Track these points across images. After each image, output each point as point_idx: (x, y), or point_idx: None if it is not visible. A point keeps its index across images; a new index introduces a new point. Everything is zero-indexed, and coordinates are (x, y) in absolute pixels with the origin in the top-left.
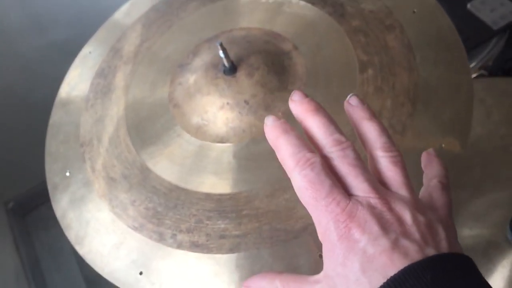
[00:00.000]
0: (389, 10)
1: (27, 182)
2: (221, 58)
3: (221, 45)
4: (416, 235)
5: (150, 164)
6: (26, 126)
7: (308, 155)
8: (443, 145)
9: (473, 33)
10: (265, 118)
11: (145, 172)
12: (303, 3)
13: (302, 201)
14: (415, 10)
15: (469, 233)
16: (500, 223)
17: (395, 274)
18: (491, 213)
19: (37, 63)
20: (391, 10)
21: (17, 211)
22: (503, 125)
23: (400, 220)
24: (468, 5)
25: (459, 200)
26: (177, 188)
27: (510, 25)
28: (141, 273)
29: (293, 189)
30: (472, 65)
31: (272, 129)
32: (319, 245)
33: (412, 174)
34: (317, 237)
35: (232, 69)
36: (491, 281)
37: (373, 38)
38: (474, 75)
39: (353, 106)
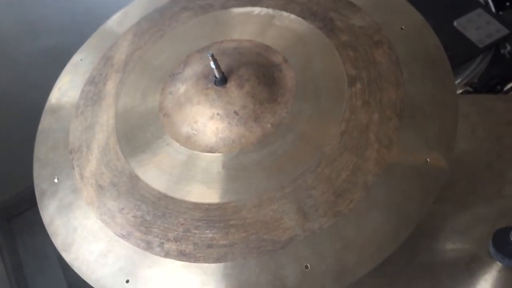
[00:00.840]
0: (378, 26)
1: (13, 187)
2: (212, 69)
3: (212, 56)
4: None
5: (139, 172)
6: (14, 131)
7: None
8: (428, 160)
9: (459, 51)
10: None
11: (133, 180)
12: (293, 17)
13: None
14: (403, 27)
15: (452, 247)
16: (483, 238)
17: None
18: (474, 227)
19: (28, 69)
20: (380, 26)
21: (2, 215)
22: (488, 141)
23: None
24: (455, 23)
25: (443, 214)
26: (165, 196)
27: (496, 43)
28: (127, 281)
29: (281, 200)
30: (457, 81)
31: None
32: (305, 256)
33: (399, 188)
34: (304, 247)
35: (222, 80)
36: None
37: (362, 53)
38: (459, 92)
39: None
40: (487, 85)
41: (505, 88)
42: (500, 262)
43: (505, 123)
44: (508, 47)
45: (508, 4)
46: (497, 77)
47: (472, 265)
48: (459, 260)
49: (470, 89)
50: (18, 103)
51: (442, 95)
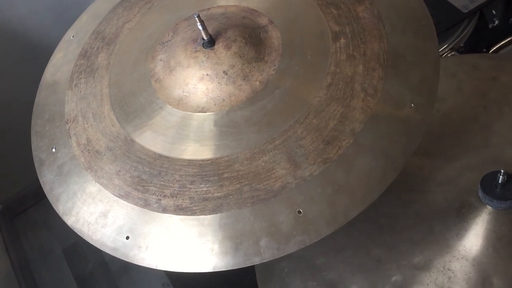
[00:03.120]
0: None
1: (16, 185)
2: (199, 30)
3: (198, 17)
4: None
5: (134, 136)
6: (14, 129)
7: None
8: (412, 105)
9: (445, 17)
10: None
11: (129, 143)
12: None
13: None
14: None
15: (443, 196)
16: (471, 185)
17: None
18: (463, 176)
19: (22, 66)
20: None
21: (6, 213)
22: (474, 97)
23: None
24: None
25: (433, 167)
26: (160, 156)
27: (479, 8)
28: (127, 238)
29: (272, 152)
30: (444, 46)
31: None
32: (297, 202)
33: (385, 133)
34: (297, 194)
35: (210, 42)
36: (466, 239)
37: (345, 10)
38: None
39: None
40: (473, 49)
41: (490, 51)
42: (489, 205)
43: (490, 79)
44: (496, 21)
45: None
46: (483, 41)
47: (463, 211)
48: (450, 207)
49: (456, 53)
50: (15, 101)
51: (423, 44)
